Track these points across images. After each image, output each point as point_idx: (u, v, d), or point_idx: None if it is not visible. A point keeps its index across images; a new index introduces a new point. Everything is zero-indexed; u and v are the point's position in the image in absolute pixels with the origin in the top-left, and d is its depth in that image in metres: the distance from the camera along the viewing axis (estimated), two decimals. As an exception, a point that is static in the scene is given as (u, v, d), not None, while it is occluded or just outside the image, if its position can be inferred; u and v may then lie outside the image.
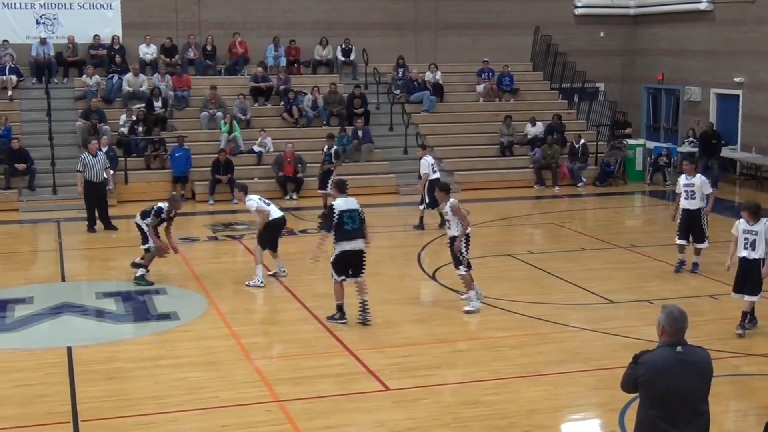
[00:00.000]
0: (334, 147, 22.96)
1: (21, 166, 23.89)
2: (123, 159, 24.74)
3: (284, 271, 16.58)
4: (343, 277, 13.37)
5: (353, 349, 12.37)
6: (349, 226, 13.16)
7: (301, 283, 16.03)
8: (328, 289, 16.02)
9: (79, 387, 11.02)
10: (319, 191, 22.76)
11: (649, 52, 32.87)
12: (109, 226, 20.70)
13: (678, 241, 16.61)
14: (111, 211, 21.19)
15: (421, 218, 20.60)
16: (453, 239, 13.99)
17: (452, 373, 11.52)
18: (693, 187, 16.25)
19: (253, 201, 16.08)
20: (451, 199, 14.11)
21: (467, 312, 13.97)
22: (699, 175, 16.60)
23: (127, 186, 24.38)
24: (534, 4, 32.47)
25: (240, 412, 10.28)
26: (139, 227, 16.22)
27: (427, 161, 20.42)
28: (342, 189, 13.60)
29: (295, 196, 24.84)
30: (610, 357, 11.98)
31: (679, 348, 6.41)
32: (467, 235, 14.08)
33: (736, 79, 28.67)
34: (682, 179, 16.48)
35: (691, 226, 16.39)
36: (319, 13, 30.76)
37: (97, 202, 20.68)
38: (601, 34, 33.33)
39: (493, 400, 10.62)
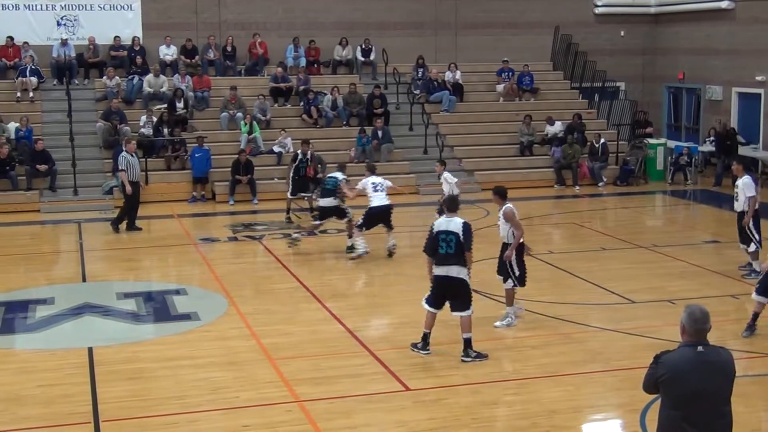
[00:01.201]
0: (309, 152, 22.54)
1: (42, 167, 24.00)
2: (144, 160, 24.78)
3: (391, 249, 17.94)
4: (432, 309, 12.10)
5: (374, 349, 12.36)
6: (443, 249, 11.83)
7: (321, 284, 16.04)
8: (348, 289, 16.11)
9: (101, 387, 11.06)
10: (289, 197, 22.04)
11: (669, 51, 32.71)
12: (133, 226, 20.72)
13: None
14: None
15: None
16: (505, 246, 13.35)
17: (473, 373, 11.48)
18: (737, 189, 15.97)
19: (364, 182, 18.07)
20: (507, 204, 13.21)
21: (497, 326, 13.36)
22: (745, 176, 16.05)
23: (147, 187, 24.43)
24: (554, 3, 32.38)
25: (261, 412, 10.30)
26: (338, 209, 18.21)
27: (450, 176, 20.01)
28: (451, 207, 12.16)
29: (314, 197, 24.80)
30: (631, 357, 11.92)
31: (700, 348, 6.37)
32: (523, 247, 13.42)
33: (758, 78, 28.48)
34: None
35: (739, 228, 16.04)
36: (339, 13, 30.77)
37: (135, 201, 20.74)
38: (622, 33, 33.20)
39: (514, 401, 10.61)
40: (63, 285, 16.43)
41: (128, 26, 29.18)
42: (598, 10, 32.99)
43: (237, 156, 24.69)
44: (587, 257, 17.96)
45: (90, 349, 12.45)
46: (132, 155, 20.79)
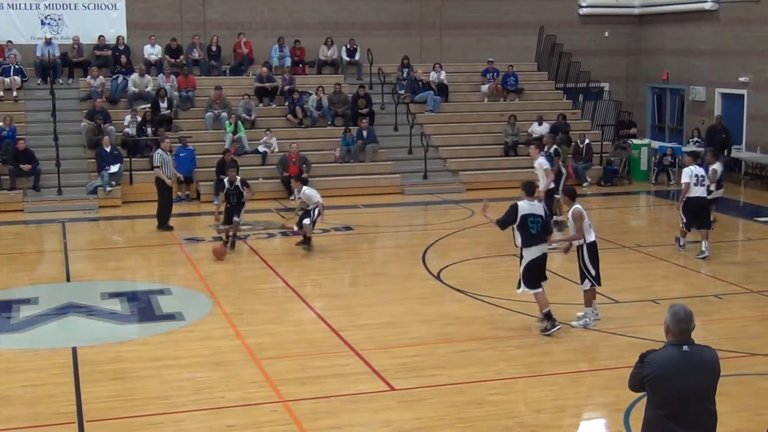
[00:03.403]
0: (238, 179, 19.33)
1: (26, 167, 23.90)
2: (128, 159, 24.72)
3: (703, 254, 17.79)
4: (539, 290, 13.04)
5: (358, 349, 12.36)
6: (534, 230, 12.87)
7: (306, 284, 16.04)
8: (334, 288, 16.10)
9: (85, 387, 11.03)
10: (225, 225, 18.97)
11: (653, 51, 32.84)
12: (166, 225, 20.66)
13: None
14: (116, 212, 21.20)
15: None
16: (580, 248, 13.47)
17: (458, 373, 11.49)
18: None
19: (688, 172, 17.88)
20: (575, 206, 13.45)
21: (573, 326, 13.34)
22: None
23: (131, 186, 24.39)
24: (538, 3, 32.44)
25: (246, 412, 10.29)
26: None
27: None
28: (528, 191, 13.21)
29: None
30: (615, 357, 11.98)
31: (685, 347, 6.40)
32: (596, 248, 13.52)
33: (741, 79, 28.61)
34: None
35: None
36: (324, 13, 30.74)
37: (168, 199, 20.80)
38: (606, 34, 33.28)
39: (499, 400, 10.62)
40: (47, 285, 16.37)
41: (113, 25, 29.10)
42: (582, 11, 33.07)
43: (222, 156, 24.63)
44: (571, 257, 17.87)
45: (74, 349, 12.41)
46: (167, 153, 21.04)
